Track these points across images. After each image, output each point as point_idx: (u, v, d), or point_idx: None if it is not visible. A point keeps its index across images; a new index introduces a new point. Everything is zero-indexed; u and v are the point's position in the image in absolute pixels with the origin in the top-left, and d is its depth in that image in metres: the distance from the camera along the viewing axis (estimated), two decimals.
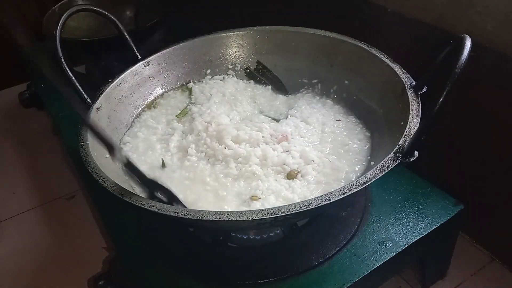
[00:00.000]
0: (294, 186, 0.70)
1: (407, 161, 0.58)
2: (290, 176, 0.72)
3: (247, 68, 0.99)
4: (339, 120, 0.83)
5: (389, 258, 0.71)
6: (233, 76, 0.99)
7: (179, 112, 0.90)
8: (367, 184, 0.55)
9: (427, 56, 0.70)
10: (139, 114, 0.90)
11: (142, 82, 0.91)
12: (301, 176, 0.72)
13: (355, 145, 0.78)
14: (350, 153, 0.76)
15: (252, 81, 0.99)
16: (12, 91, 1.64)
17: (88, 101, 0.79)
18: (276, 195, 0.69)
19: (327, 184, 0.71)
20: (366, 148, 0.77)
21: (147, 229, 0.81)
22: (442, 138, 0.88)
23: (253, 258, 0.75)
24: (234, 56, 0.99)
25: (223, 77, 0.99)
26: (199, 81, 0.98)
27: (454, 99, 0.62)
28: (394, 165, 0.57)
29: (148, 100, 0.92)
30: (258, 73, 0.99)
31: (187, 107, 0.91)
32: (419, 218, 0.77)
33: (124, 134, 0.85)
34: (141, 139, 0.84)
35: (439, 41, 0.67)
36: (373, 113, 0.81)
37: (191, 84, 0.97)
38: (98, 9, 0.91)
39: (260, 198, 0.68)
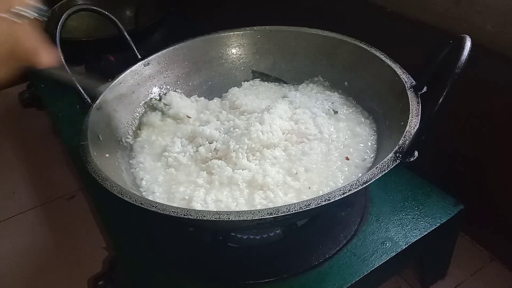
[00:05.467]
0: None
1: (407, 161, 0.58)
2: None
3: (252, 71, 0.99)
4: (348, 159, 0.74)
5: (389, 258, 0.71)
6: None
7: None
8: (367, 184, 0.55)
9: (427, 56, 0.70)
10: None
11: (142, 81, 0.91)
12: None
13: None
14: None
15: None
16: (12, 91, 1.64)
17: (88, 101, 0.80)
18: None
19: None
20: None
21: (147, 229, 0.81)
22: (442, 138, 0.88)
23: (253, 258, 0.75)
24: (235, 56, 0.99)
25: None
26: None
27: (454, 99, 0.62)
28: (394, 165, 0.57)
29: (148, 100, 0.92)
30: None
31: None
32: (419, 218, 0.77)
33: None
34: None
35: (439, 41, 0.67)
36: (373, 113, 0.81)
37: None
38: (98, 9, 0.91)
39: None
